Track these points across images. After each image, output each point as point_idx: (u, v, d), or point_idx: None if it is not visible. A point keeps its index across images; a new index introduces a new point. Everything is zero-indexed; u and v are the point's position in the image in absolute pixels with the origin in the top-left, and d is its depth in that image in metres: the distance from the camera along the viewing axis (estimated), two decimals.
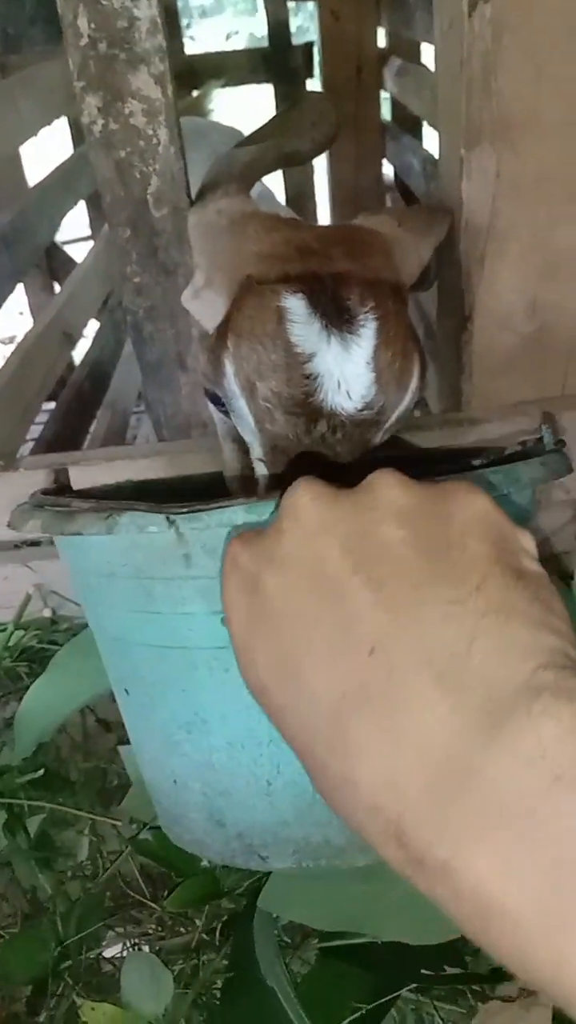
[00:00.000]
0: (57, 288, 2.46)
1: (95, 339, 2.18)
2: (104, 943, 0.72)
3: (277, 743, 0.57)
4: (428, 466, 0.77)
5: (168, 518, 0.49)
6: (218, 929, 0.72)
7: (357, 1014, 0.64)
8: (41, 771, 0.83)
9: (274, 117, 0.93)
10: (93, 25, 0.73)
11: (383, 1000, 0.65)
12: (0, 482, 0.94)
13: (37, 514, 0.58)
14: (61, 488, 0.74)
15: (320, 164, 2.62)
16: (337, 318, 0.61)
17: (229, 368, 0.62)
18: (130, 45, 0.74)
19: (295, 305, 0.61)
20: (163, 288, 0.85)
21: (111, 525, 0.51)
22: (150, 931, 0.72)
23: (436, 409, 1.00)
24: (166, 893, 0.75)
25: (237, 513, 0.48)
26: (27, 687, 0.97)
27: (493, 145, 0.79)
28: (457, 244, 0.85)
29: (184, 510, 0.49)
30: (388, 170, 2.57)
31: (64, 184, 1.97)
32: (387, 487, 0.39)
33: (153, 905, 0.73)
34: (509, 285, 0.86)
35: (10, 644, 0.96)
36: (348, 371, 0.61)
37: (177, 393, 0.91)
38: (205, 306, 0.69)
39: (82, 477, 0.92)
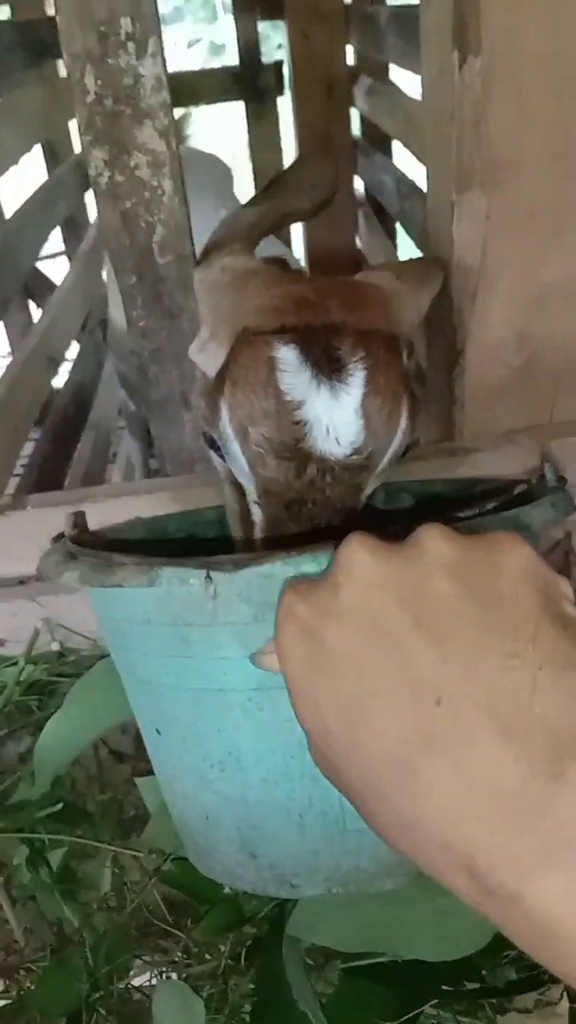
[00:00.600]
0: (33, 308, 2.47)
1: (76, 362, 2.20)
2: (132, 972, 0.74)
3: (310, 778, 0.60)
4: (443, 511, 0.81)
5: (209, 573, 0.51)
6: (243, 954, 0.74)
7: None
8: (60, 805, 0.85)
9: (275, 179, 0.97)
10: (100, 82, 0.75)
11: (407, 1017, 0.68)
12: (8, 521, 0.96)
13: (74, 566, 0.60)
14: (81, 532, 0.76)
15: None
16: (327, 367, 0.64)
17: (224, 413, 0.66)
18: (135, 101, 0.76)
19: (286, 355, 0.64)
20: (168, 331, 0.88)
21: (153, 579, 0.53)
22: (177, 959, 0.74)
23: (429, 438, 1.04)
24: (189, 921, 0.77)
25: (275, 567, 0.51)
26: (37, 720, 0.99)
27: (483, 188, 0.82)
28: (447, 282, 0.89)
29: (228, 565, 0.51)
30: (360, 186, 2.62)
31: (43, 208, 1.99)
32: (434, 541, 0.42)
33: (178, 933, 0.75)
34: (499, 320, 0.89)
35: (21, 679, 0.98)
36: (337, 418, 0.64)
37: (181, 430, 0.94)
38: (209, 358, 0.72)
39: (89, 514, 0.94)
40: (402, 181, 1.96)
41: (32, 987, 0.73)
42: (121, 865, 0.81)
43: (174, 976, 0.73)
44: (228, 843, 0.65)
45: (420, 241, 1.68)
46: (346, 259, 2.54)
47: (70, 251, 2.57)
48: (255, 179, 2.62)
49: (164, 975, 0.73)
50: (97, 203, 0.81)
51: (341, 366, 0.64)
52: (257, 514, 0.68)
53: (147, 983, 0.74)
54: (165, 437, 0.95)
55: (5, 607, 1.02)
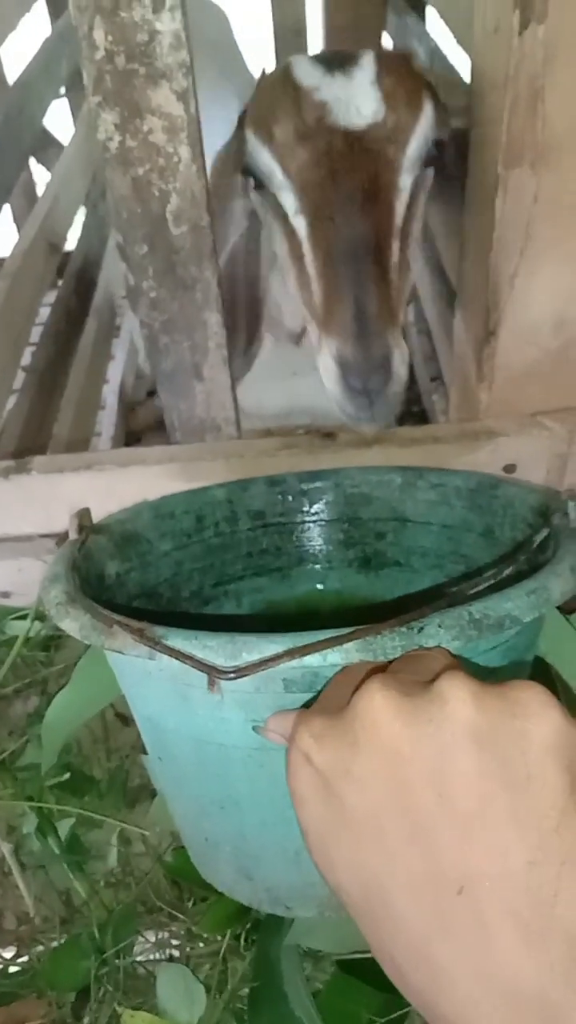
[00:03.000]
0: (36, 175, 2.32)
1: (80, 242, 2.08)
2: (137, 948, 0.79)
3: None
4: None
5: (212, 680, 0.50)
6: (243, 935, 0.78)
7: None
8: (67, 775, 0.87)
9: None
10: (110, 38, 0.67)
11: (396, 1014, 0.72)
12: (11, 484, 0.93)
13: (76, 615, 0.58)
14: (87, 532, 0.74)
15: (316, 36, 2.42)
16: (338, 62, 0.76)
17: (250, 132, 0.80)
18: (150, 60, 0.68)
19: (299, 58, 0.78)
20: (180, 303, 0.82)
21: (152, 655, 0.52)
22: (179, 940, 0.78)
23: (452, 416, 0.99)
24: (192, 902, 0.81)
25: (284, 672, 0.49)
26: (44, 678, 1.01)
27: (534, 167, 0.75)
28: (484, 256, 0.82)
29: (231, 675, 0.49)
30: (388, 44, 2.38)
31: (45, 72, 1.82)
32: (458, 702, 0.39)
33: (182, 917, 0.79)
34: (538, 303, 0.83)
35: (30, 636, 0.98)
36: (355, 93, 0.74)
37: (192, 400, 0.89)
38: None
39: (95, 485, 0.91)
40: (436, 55, 1.77)
41: (43, 960, 0.77)
42: (127, 839, 0.84)
43: (177, 954, 0.78)
44: (226, 864, 0.67)
45: None
46: None
47: (74, 107, 2.38)
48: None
49: (168, 953, 0.78)
50: (106, 168, 0.74)
51: (351, 57, 0.76)
52: (301, 228, 0.78)
53: (152, 957, 0.78)
54: (175, 408, 0.90)
55: (11, 563, 1.01)
